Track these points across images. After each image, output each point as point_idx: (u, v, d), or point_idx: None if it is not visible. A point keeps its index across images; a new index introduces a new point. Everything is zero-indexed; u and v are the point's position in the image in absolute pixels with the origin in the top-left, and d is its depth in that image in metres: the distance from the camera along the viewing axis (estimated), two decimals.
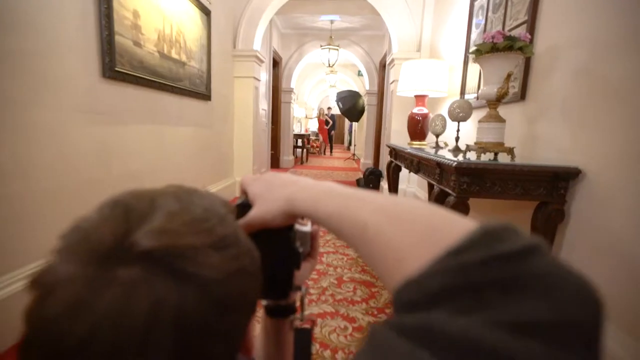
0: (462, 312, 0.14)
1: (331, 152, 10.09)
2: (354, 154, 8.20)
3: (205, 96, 2.58)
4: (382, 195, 0.23)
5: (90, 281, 0.18)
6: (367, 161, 6.17)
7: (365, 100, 6.73)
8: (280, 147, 6.07)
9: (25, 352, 0.19)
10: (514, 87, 1.50)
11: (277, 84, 5.46)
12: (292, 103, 6.36)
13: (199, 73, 2.44)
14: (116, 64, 1.55)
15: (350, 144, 12.64)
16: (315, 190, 0.27)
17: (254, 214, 0.30)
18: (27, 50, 1.16)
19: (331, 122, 9.56)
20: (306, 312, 0.35)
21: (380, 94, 5.39)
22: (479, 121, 1.37)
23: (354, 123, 9.86)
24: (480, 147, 1.32)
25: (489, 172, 1.15)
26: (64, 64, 1.32)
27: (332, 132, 9.88)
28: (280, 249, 0.31)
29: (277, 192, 0.29)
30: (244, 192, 0.33)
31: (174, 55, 2.07)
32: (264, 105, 4.22)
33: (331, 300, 1.45)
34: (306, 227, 0.35)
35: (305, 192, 0.27)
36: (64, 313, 0.18)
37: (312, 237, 0.36)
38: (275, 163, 5.67)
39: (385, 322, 0.16)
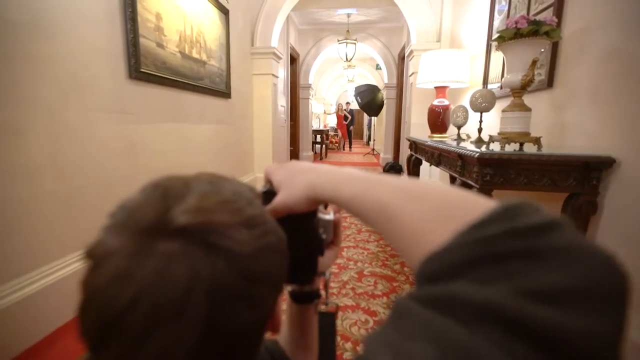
0: (485, 282, 0.14)
1: (350, 147, 10.04)
2: (373, 149, 8.11)
3: (225, 94, 2.63)
4: (401, 178, 0.24)
5: (134, 253, 0.20)
6: (386, 156, 6.10)
7: (384, 94, 6.63)
8: (299, 143, 6.09)
9: (81, 316, 0.21)
10: (540, 75, 1.43)
11: (295, 80, 5.48)
12: (311, 99, 6.37)
13: (218, 71, 2.49)
14: (141, 65, 1.61)
15: (369, 139, 12.50)
16: (336, 175, 0.28)
17: (278, 200, 0.31)
18: (59, 55, 1.23)
19: (350, 117, 9.50)
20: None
21: (400, 87, 5.29)
22: (503, 111, 1.32)
23: (372, 118, 9.74)
24: (504, 138, 1.27)
25: (513, 162, 1.11)
26: (93, 66, 1.38)
27: (351, 127, 9.82)
28: (304, 235, 0.32)
29: (299, 179, 0.31)
30: (268, 181, 0.34)
31: (194, 54, 2.12)
32: (283, 102, 4.25)
33: (352, 294, 1.46)
34: (329, 215, 0.36)
35: (325, 177, 0.29)
36: (112, 280, 0.20)
37: (335, 225, 0.37)
38: (294, 159, 5.70)
39: (408, 294, 0.16)
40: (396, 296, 0.17)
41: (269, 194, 0.32)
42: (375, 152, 7.97)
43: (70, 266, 1.26)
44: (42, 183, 1.17)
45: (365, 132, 14.58)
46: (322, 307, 0.36)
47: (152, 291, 0.19)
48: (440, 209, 0.19)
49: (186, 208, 0.22)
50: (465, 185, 1.31)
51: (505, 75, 1.29)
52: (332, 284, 1.53)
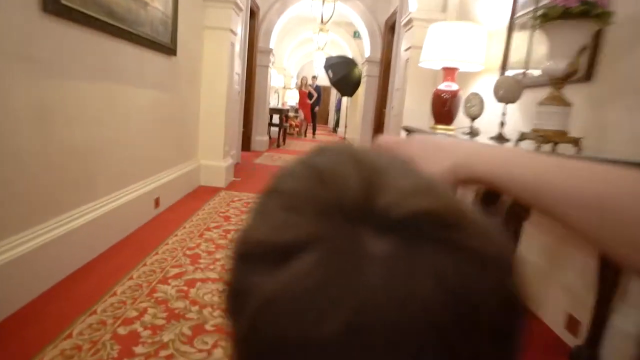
0: None
1: (314, 133, 10.07)
2: (344, 138, 8.21)
3: (170, 50, 2.48)
4: (594, 165, 0.26)
5: (341, 250, 0.17)
6: None
7: (363, 69, 6.72)
8: (252, 123, 5.95)
9: (245, 337, 0.18)
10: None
11: (253, 42, 5.32)
12: (270, 67, 6.25)
13: (163, 17, 2.32)
14: None
15: (336, 124, 12.61)
16: (502, 152, 0.30)
17: None
18: None
19: (316, 95, 9.50)
20: None
21: (385, 63, 5.39)
22: (539, 104, 1.39)
23: (343, 98, 9.87)
24: (540, 136, 1.34)
25: None
26: None
27: (316, 108, 9.84)
28: None
29: (450, 150, 0.32)
30: None
31: None
32: (238, 69, 4.10)
33: None
34: None
35: (489, 153, 0.30)
36: (313, 290, 0.16)
37: None
38: (246, 144, 5.54)
39: None
40: None
41: None
42: (347, 142, 8.07)
43: None
44: None
45: (333, 116, 14.75)
46: None
47: (383, 316, 0.16)
48: None
49: (403, 188, 0.18)
50: (490, 190, 1.36)
51: (530, 60, 1.36)
52: None
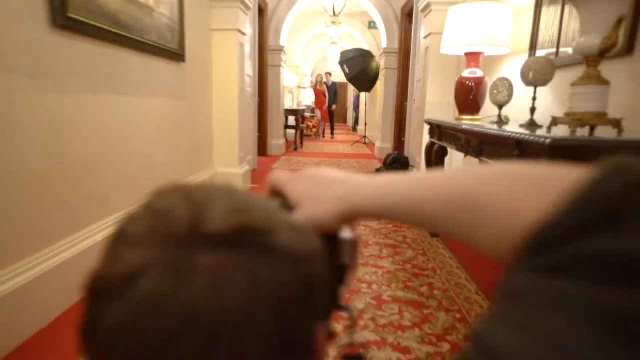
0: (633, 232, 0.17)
1: (332, 134, 10.08)
2: (364, 136, 8.20)
3: (178, 56, 2.56)
4: (463, 169, 0.28)
5: (173, 267, 0.22)
6: (384, 145, 6.18)
7: (379, 62, 6.71)
8: (267, 127, 6.03)
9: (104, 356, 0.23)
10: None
11: (263, 41, 5.40)
12: (282, 67, 6.32)
13: (169, 23, 2.40)
14: (69, 9, 1.51)
15: (356, 122, 12.60)
16: (379, 182, 0.32)
17: (304, 217, 0.33)
18: None
19: (333, 91, 9.52)
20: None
21: (404, 54, 5.37)
22: (573, 84, 1.37)
23: (362, 94, 9.85)
24: (576, 120, 1.32)
25: (593, 151, 1.15)
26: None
27: (334, 106, 9.86)
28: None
29: (331, 191, 0.34)
30: (276, 193, 0.37)
31: None
32: (249, 70, 4.18)
33: (373, 326, 1.49)
34: (348, 233, 0.38)
35: (368, 186, 0.32)
36: (150, 305, 0.21)
37: (354, 245, 0.39)
38: (262, 149, 5.62)
39: (519, 270, 0.20)
40: (501, 280, 0.22)
41: (283, 209, 0.33)
42: (367, 141, 8.06)
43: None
44: None
45: (352, 114, 14.73)
46: (348, 350, 0.38)
47: (207, 309, 0.21)
48: (535, 182, 0.23)
49: (223, 210, 0.25)
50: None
51: (561, 37, 1.34)
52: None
